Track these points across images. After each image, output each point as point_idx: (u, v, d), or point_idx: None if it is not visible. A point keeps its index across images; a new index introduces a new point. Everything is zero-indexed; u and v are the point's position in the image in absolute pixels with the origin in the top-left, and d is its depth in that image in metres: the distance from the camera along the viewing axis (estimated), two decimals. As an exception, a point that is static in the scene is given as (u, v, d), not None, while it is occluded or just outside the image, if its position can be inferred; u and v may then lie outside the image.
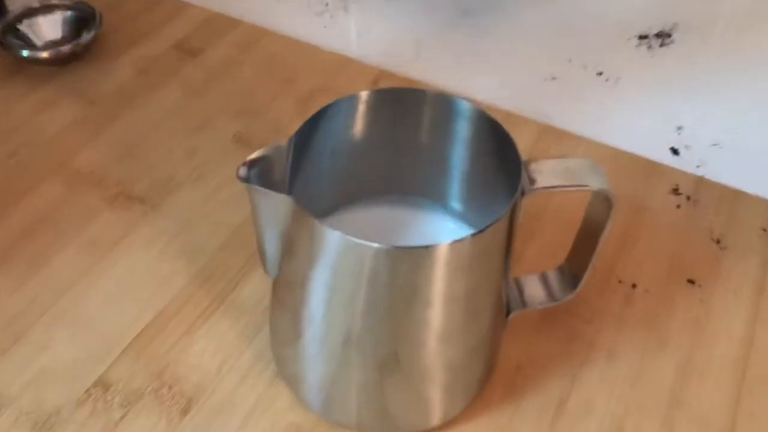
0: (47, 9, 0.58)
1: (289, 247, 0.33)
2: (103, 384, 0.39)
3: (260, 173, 0.31)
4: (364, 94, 0.35)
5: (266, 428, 0.37)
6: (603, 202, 0.34)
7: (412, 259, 0.30)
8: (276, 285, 0.36)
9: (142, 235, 0.46)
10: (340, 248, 0.30)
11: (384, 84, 0.57)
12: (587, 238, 0.37)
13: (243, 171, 0.31)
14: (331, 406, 0.37)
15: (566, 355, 0.41)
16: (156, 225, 0.46)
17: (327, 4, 0.67)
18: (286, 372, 0.38)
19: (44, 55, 0.55)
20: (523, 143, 0.52)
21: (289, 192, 0.33)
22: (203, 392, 0.39)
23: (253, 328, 0.41)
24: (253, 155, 0.31)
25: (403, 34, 0.63)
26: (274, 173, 0.32)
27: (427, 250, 0.29)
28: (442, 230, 0.40)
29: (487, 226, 0.30)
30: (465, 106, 0.35)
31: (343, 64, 0.58)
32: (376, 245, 0.29)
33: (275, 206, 0.31)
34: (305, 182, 0.36)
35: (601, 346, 0.41)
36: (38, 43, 0.57)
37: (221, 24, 0.61)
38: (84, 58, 0.57)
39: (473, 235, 0.30)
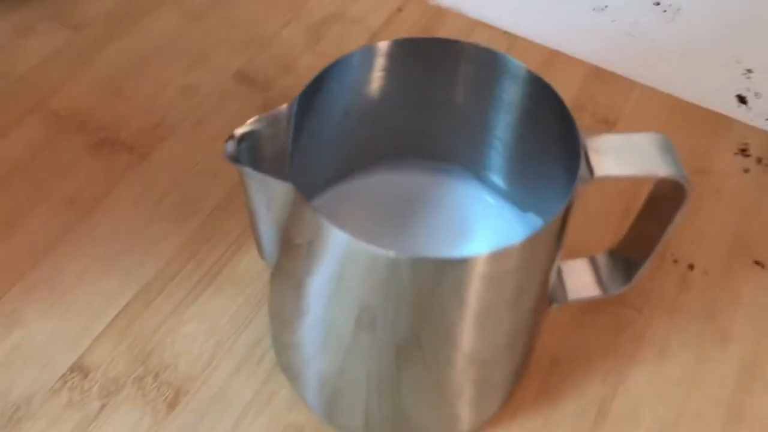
0: None
1: (287, 237, 0.27)
2: (81, 369, 0.34)
3: (253, 148, 0.25)
4: (383, 46, 0.28)
5: (264, 427, 0.33)
6: (674, 189, 0.28)
7: (440, 269, 0.24)
8: (274, 273, 0.30)
9: (128, 191, 0.40)
10: (347, 249, 0.24)
11: (408, 11, 0.50)
12: (651, 222, 0.30)
13: (230, 147, 0.25)
14: (336, 407, 0.32)
15: (610, 350, 0.35)
16: (144, 178, 0.41)
17: None
18: (285, 363, 0.33)
19: (20, -29, 0.48)
20: (567, 87, 0.45)
21: (291, 164, 0.26)
22: (193, 382, 0.34)
23: (251, 306, 0.36)
24: (244, 128, 0.25)
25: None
26: (270, 146, 0.26)
27: (462, 263, 0.23)
28: (479, 205, 0.34)
29: (539, 231, 0.24)
30: (515, 66, 0.28)
31: (363, -14, 0.51)
32: (392, 254, 0.23)
33: (272, 191, 0.25)
34: (312, 148, 0.29)
35: (651, 341, 0.36)
36: (15, -45, 0.50)
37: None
38: (67, -25, 0.50)
39: (520, 243, 0.24)
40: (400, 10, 0.50)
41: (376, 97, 0.31)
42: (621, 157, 0.26)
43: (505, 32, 0.48)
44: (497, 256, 0.23)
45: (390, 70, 0.29)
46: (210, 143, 0.42)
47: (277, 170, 0.25)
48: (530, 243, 0.24)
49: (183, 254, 0.38)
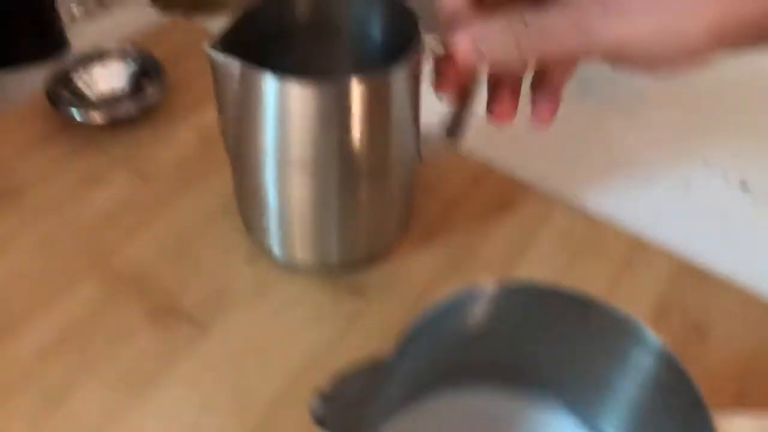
0: (105, 57, 0.51)
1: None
2: None
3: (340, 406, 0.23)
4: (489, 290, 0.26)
5: None
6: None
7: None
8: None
9: (185, 371, 0.38)
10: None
11: (484, 183, 0.48)
12: None
13: (318, 409, 0.22)
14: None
15: None
16: (202, 356, 0.38)
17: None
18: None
19: (97, 117, 0.47)
20: (652, 284, 0.43)
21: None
22: None
23: None
24: (331, 384, 0.23)
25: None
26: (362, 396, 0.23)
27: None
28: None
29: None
30: (649, 338, 0.25)
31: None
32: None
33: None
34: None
35: None
36: (92, 96, 0.50)
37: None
38: (141, 120, 0.49)
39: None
40: (476, 180, 0.48)
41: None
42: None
43: (585, 216, 0.46)
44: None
45: (496, 313, 0.27)
46: (273, 317, 0.40)
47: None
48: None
49: (237, 453, 0.35)
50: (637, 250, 0.44)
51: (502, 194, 0.47)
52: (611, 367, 0.27)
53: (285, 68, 0.37)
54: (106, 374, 0.37)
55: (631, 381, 0.27)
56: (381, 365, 0.23)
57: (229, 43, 0.34)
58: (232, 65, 0.34)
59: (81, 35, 0.58)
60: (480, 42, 0.33)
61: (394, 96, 0.36)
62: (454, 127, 0.41)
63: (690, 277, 0.43)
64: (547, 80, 0.37)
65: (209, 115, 0.50)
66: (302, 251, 0.41)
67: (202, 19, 0.60)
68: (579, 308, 0.25)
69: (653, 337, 0.25)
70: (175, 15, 0.59)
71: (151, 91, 0.49)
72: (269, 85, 0.34)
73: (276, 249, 0.42)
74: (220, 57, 0.34)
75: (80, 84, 0.50)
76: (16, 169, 0.46)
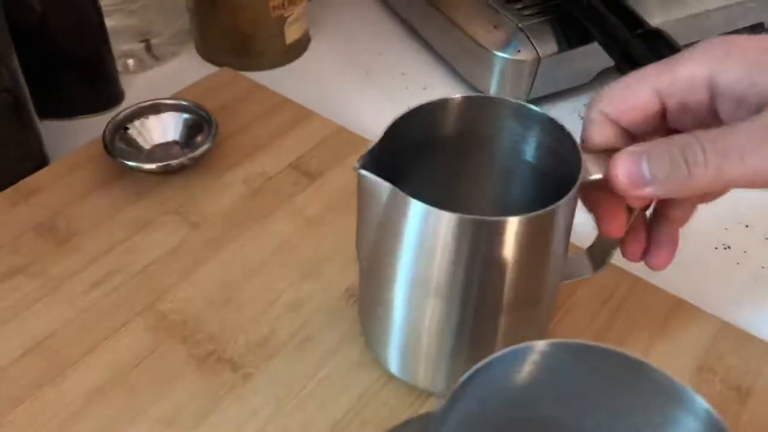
0: (160, 109, 0.53)
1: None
2: None
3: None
4: (541, 345, 0.27)
5: None
6: None
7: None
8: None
9: (228, 417, 0.38)
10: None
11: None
12: None
13: None
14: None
15: None
16: (246, 403, 0.39)
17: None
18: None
19: (151, 167, 0.49)
20: (693, 345, 0.43)
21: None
22: None
23: None
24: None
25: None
26: None
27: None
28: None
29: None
30: (696, 403, 0.26)
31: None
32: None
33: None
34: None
35: None
36: (146, 146, 0.52)
37: (347, 142, 0.54)
38: (192, 168, 0.51)
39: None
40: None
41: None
42: None
43: (628, 272, 0.46)
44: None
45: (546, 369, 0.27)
46: (316, 366, 0.41)
47: None
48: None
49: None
50: (677, 307, 0.45)
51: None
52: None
53: (429, 176, 0.38)
54: (151, 419, 0.38)
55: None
56: (432, 417, 0.24)
57: (377, 156, 0.33)
58: (380, 186, 0.33)
59: (136, 87, 0.60)
60: (646, 163, 0.30)
61: (551, 232, 0.34)
62: (602, 255, 0.39)
63: (731, 338, 0.43)
64: (672, 218, 0.35)
65: (258, 164, 0.52)
66: (425, 375, 0.39)
67: (248, 65, 0.62)
68: (628, 369, 0.26)
69: (702, 402, 0.25)
70: (222, 62, 0.62)
71: (201, 140, 0.51)
72: (416, 211, 0.32)
73: (394, 367, 0.40)
74: (368, 177, 0.33)
75: (135, 134, 0.52)
76: (72, 213, 0.48)
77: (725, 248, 0.50)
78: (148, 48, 0.63)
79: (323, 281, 0.45)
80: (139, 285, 0.44)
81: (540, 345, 0.26)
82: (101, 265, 0.45)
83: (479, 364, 0.25)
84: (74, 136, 0.54)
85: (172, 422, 0.38)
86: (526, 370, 0.26)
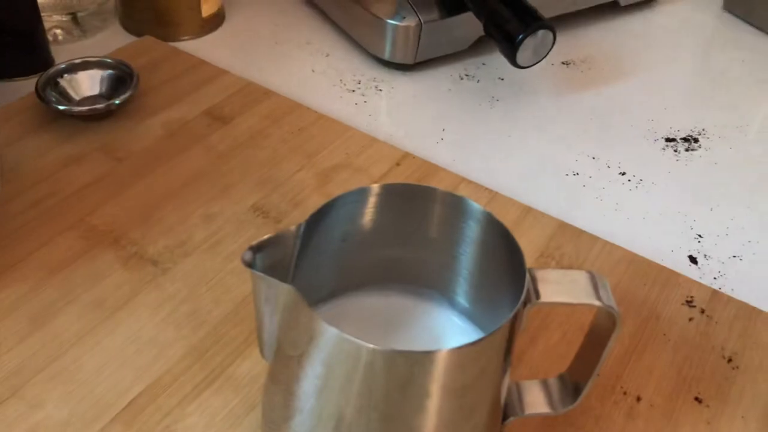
0: (88, 66, 0.60)
1: (286, 333, 0.33)
2: (89, 450, 0.38)
3: (265, 258, 0.32)
4: (376, 187, 0.35)
5: None
6: (608, 318, 0.34)
7: (409, 362, 0.29)
8: (271, 368, 0.36)
9: (149, 299, 0.46)
10: (335, 343, 0.30)
11: (406, 166, 0.58)
12: (591, 349, 0.36)
13: (248, 255, 0.31)
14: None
15: (562, 467, 0.39)
16: (164, 289, 0.47)
17: (359, 83, 0.68)
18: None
19: (79, 110, 0.57)
20: (537, 239, 0.52)
21: (294, 275, 0.33)
22: (188, 469, 0.38)
23: (246, 406, 0.41)
24: (260, 241, 0.32)
25: (430, 119, 0.64)
26: (279, 257, 0.32)
27: (427, 355, 0.29)
28: (447, 325, 0.39)
29: (486, 336, 0.30)
30: (474, 208, 0.35)
31: (369, 143, 0.59)
32: (371, 346, 0.29)
33: (277, 293, 0.31)
34: (311, 266, 0.36)
35: (599, 462, 0.40)
36: (76, 97, 0.59)
37: (255, 94, 0.63)
38: (117, 116, 0.59)
39: (471, 344, 0.29)
40: (398, 164, 0.58)
41: (368, 229, 0.37)
42: (563, 287, 0.32)
43: (487, 188, 0.56)
44: (452, 352, 0.29)
45: (379, 208, 0.36)
46: (223, 263, 0.49)
47: (283, 278, 0.31)
48: (480, 345, 0.30)
49: (190, 357, 0.43)
50: (527, 213, 0.54)
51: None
52: (456, 244, 0.36)
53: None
54: (84, 302, 0.45)
55: (471, 250, 0.36)
56: (292, 232, 0.33)
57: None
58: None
59: (65, 57, 0.67)
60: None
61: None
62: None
63: (567, 234, 0.53)
64: None
65: (175, 111, 0.60)
66: None
67: (167, 36, 0.70)
68: (430, 197, 0.35)
69: (476, 206, 0.34)
70: (144, 35, 0.69)
71: (125, 91, 0.59)
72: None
73: None
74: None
75: (66, 86, 0.59)
76: (9, 152, 0.55)
77: (574, 175, 0.60)
78: (75, 21, 0.70)
79: (232, 200, 0.53)
80: (70, 205, 0.52)
81: (375, 187, 0.35)
82: (38, 189, 0.52)
83: (328, 201, 0.34)
84: (9, 94, 0.61)
85: (101, 304, 0.45)
86: (366, 206, 0.35)
